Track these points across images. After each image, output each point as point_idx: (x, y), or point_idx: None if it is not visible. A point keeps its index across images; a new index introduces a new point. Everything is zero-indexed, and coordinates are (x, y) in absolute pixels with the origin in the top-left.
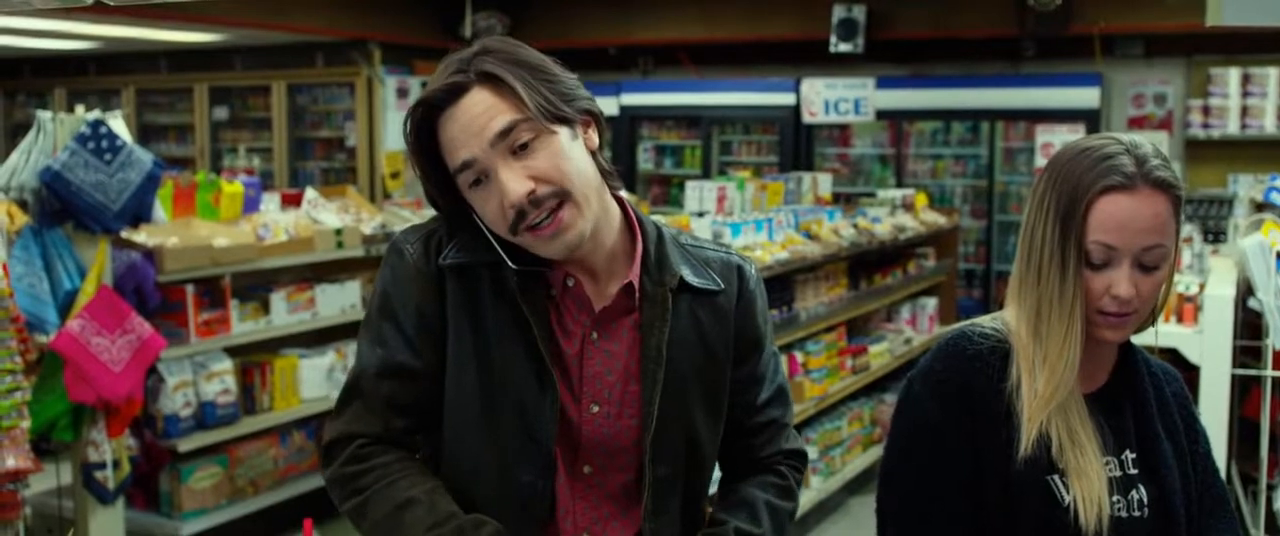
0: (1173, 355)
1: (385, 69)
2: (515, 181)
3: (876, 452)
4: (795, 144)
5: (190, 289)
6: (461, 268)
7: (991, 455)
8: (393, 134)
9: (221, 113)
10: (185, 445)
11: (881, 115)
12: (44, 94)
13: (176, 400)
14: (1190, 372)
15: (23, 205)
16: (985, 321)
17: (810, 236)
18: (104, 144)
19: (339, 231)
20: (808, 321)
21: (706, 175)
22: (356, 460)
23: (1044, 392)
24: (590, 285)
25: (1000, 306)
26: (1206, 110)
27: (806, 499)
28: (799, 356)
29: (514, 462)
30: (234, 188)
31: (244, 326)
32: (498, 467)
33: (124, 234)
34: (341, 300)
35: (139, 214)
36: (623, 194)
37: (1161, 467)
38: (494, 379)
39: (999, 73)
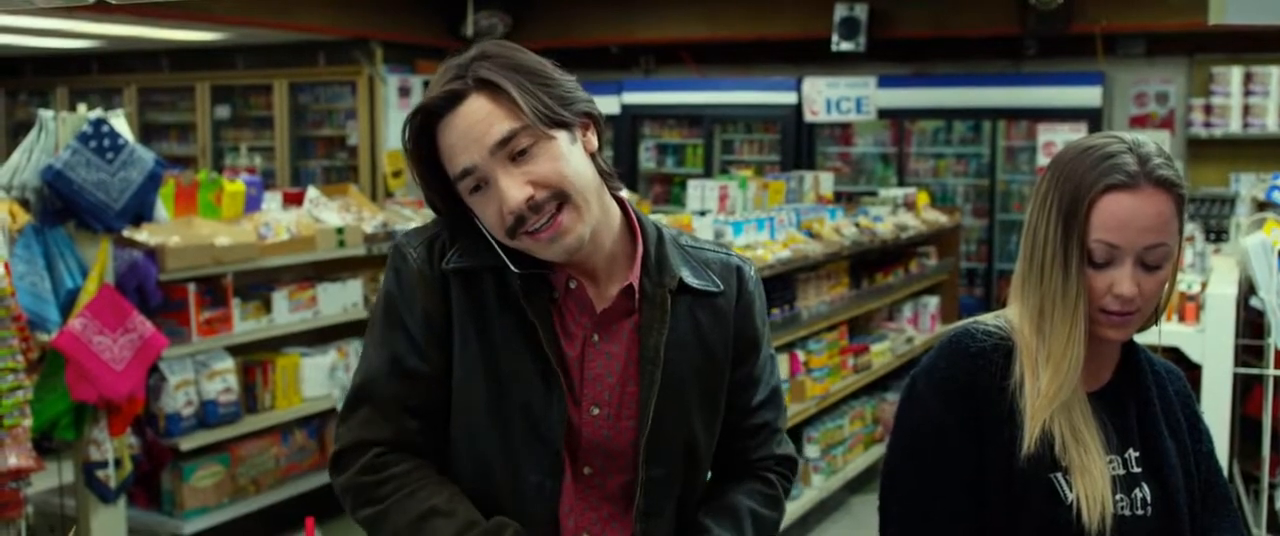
0: (1175, 354)
1: (387, 68)
2: (514, 188)
3: (878, 451)
4: (797, 143)
5: (192, 288)
6: (464, 272)
7: (995, 453)
8: (394, 133)
9: (223, 111)
10: (187, 444)
11: (883, 114)
12: (46, 93)
13: (178, 399)
14: (1192, 371)
15: (25, 204)
16: (988, 319)
17: (812, 235)
18: (106, 143)
19: (340, 230)
20: (809, 320)
21: (708, 174)
22: (372, 469)
23: (1047, 391)
24: (591, 287)
25: (1002, 305)
26: (1208, 109)
27: (808, 498)
28: (801, 355)
29: (522, 464)
30: (236, 186)
31: (246, 325)
32: (505, 469)
33: (126, 233)
34: (343, 299)
35: (141, 213)
36: (623, 194)
37: (1164, 466)
38: (501, 382)
39: (1001, 72)
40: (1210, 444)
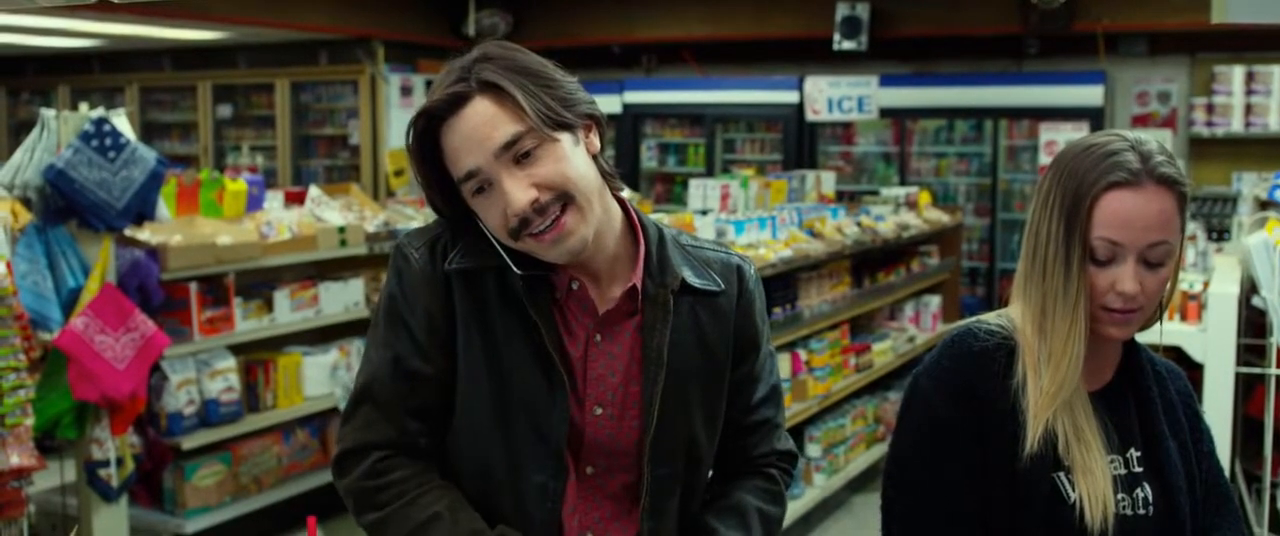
0: (1177, 353)
1: (389, 67)
2: (519, 191)
3: (880, 450)
4: (799, 142)
5: (194, 287)
6: (467, 273)
7: (997, 452)
8: (396, 132)
9: (225, 110)
10: (189, 443)
11: (885, 113)
12: (48, 92)
13: (180, 398)
14: (1194, 371)
15: (27, 203)
16: (990, 318)
17: (814, 234)
18: (108, 142)
19: (342, 229)
20: (811, 319)
21: (710, 173)
22: (375, 474)
23: (1049, 390)
24: (593, 288)
25: (1004, 304)
26: (1210, 108)
27: (810, 497)
28: (802, 354)
29: (524, 464)
30: (237, 185)
31: (247, 324)
32: (508, 469)
33: (128, 232)
34: (345, 298)
35: (142, 212)
36: (624, 194)
37: (1166, 465)
38: (503, 381)
39: (1002, 71)
40: (1211, 443)
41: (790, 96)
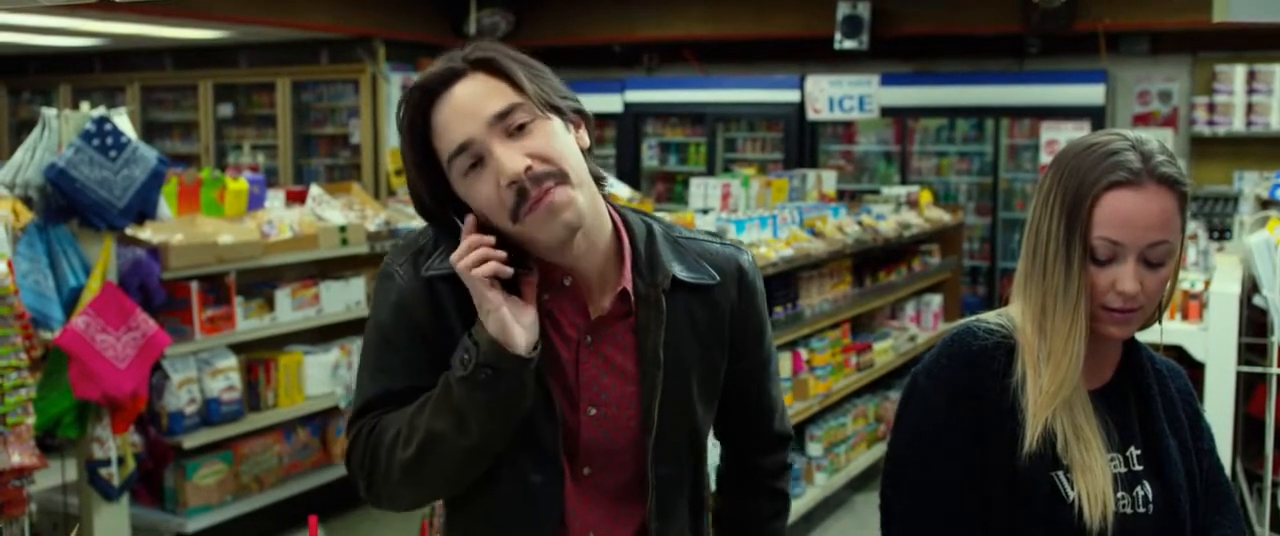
0: (1178, 352)
1: (390, 66)
2: (513, 158)
3: (881, 450)
4: (800, 141)
5: (195, 286)
6: (451, 276)
7: (996, 451)
8: (397, 131)
9: (226, 110)
10: (190, 442)
11: (886, 112)
12: (49, 91)
13: (181, 397)
14: (1195, 370)
15: (28, 202)
16: (990, 317)
17: (815, 233)
18: (109, 141)
19: (343, 228)
20: (812, 318)
21: (711, 172)
22: (370, 433)
23: (1049, 389)
24: (585, 289)
25: (1005, 303)
26: (1212, 107)
27: (811, 496)
28: (803, 353)
29: (521, 464)
30: (239, 185)
31: (248, 323)
32: (508, 470)
33: (129, 231)
34: (346, 297)
35: (144, 211)
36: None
37: (1166, 464)
38: None
39: (1004, 70)
40: (1211, 441)
41: (791, 95)
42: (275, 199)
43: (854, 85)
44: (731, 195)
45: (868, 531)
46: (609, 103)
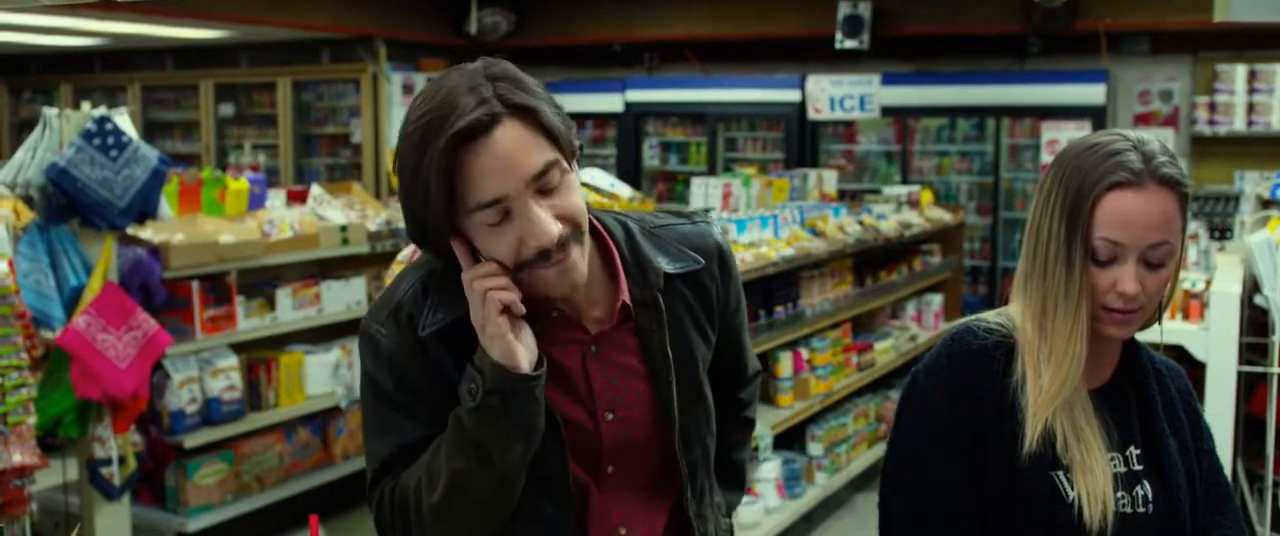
0: (1179, 352)
1: (391, 66)
2: (548, 224)
3: (882, 449)
4: (801, 140)
5: (196, 285)
6: (442, 331)
7: (996, 451)
8: (398, 131)
9: (227, 109)
10: (191, 441)
11: (887, 112)
12: (50, 91)
13: (182, 396)
14: (1196, 369)
15: (29, 201)
16: (990, 316)
17: (816, 233)
18: (110, 140)
19: (344, 228)
20: (813, 318)
21: (712, 172)
22: (392, 494)
23: (1049, 388)
24: (573, 308)
25: (1005, 303)
26: (1213, 107)
27: (811, 495)
28: (804, 353)
29: (534, 498)
30: (239, 184)
31: (249, 323)
32: (523, 505)
33: (130, 230)
34: (347, 297)
35: (145, 210)
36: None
37: (1166, 463)
38: None
39: (1005, 69)
40: (1211, 441)
41: (792, 95)
42: (276, 198)
43: (855, 85)
44: (732, 195)
45: (869, 531)
46: (610, 102)
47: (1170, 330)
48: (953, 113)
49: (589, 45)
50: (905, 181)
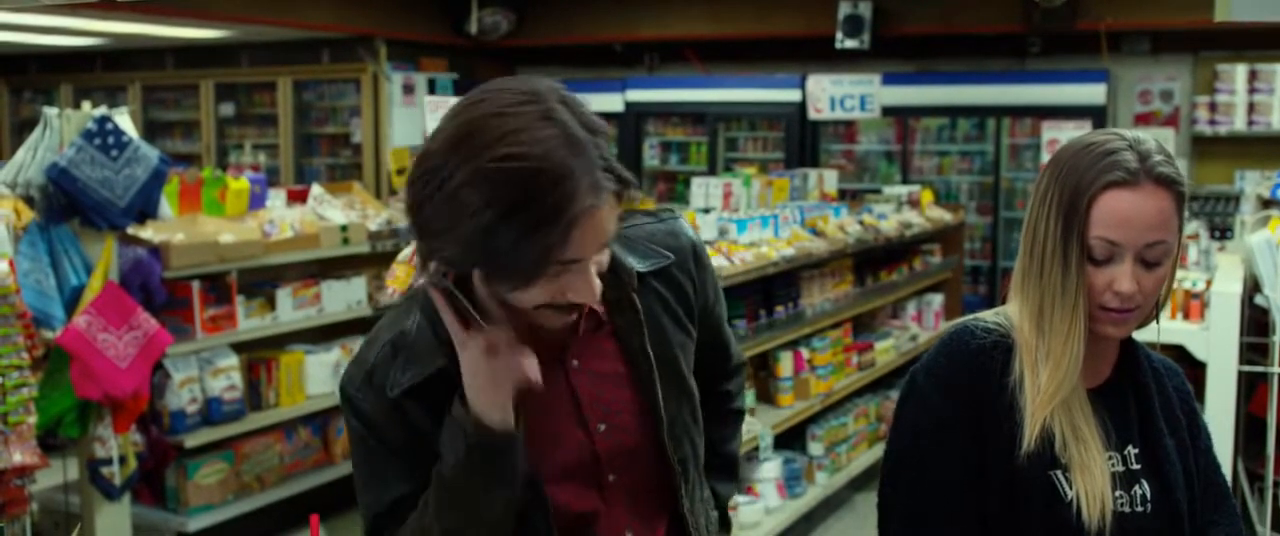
0: (1179, 351)
1: (391, 65)
2: (597, 283)
3: (882, 449)
4: (801, 140)
5: (196, 285)
6: (413, 389)
7: (994, 450)
8: (399, 130)
9: (227, 109)
10: (191, 441)
11: (887, 112)
12: (50, 90)
13: (182, 396)
14: (1196, 369)
15: (29, 201)
16: (988, 316)
17: (816, 233)
18: (110, 140)
19: (345, 228)
20: (813, 318)
21: (712, 172)
22: None
23: (1047, 388)
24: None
25: (1004, 302)
26: (1213, 107)
27: (812, 495)
28: (805, 352)
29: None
30: (240, 184)
31: (250, 323)
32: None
33: (130, 230)
34: (347, 296)
35: (145, 210)
36: None
37: (1164, 462)
38: None
39: (1005, 69)
40: (1209, 440)
41: (792, 95)
42: (276, 198)
43: (855, 84)
44: (733, 194)
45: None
46: (610, 102)
47: (1171, 330)
48: (953, 112)
49: (589, 45)
50: (906, 181)
